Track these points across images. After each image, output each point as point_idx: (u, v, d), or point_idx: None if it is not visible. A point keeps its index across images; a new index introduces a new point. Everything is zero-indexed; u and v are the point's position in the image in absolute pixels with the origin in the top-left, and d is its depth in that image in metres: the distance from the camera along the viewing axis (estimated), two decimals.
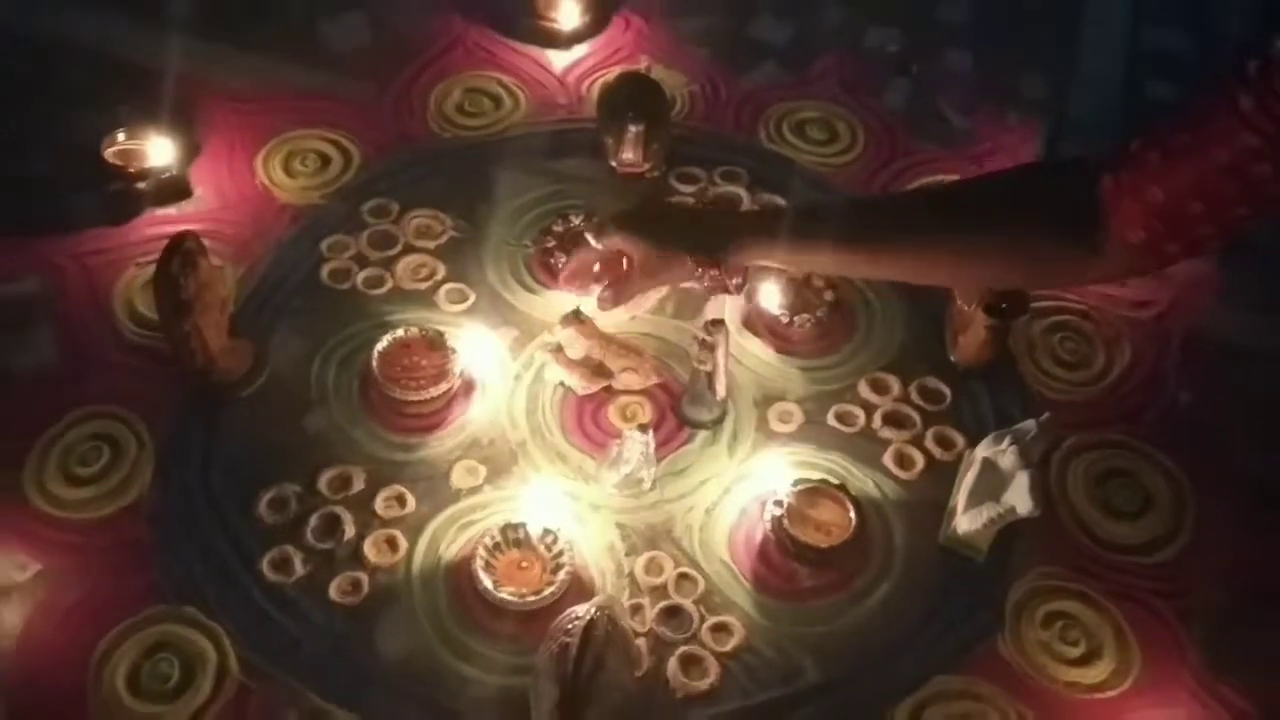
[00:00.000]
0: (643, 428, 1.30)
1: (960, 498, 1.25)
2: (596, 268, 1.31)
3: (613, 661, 1.07)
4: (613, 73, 1.67)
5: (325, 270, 1.47)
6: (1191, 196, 0.91)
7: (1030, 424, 1.27)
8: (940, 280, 1.30)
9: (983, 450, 1.26)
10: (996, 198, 1.09)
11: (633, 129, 1.46)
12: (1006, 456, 1.23)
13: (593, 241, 1.26)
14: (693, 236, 1.20)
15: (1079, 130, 1.68)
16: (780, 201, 1.57)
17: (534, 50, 1.76)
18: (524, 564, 1.21)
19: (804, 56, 1.78)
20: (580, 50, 1.76)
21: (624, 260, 1.28)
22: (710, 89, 1.72)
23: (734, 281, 1.21)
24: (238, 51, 1.72)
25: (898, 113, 1.71)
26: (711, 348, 1.27)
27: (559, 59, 1.75)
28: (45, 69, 1.68)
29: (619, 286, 1.27)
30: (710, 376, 1.30)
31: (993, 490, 1.22)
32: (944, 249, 1.11)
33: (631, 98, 1.51)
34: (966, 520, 1.22)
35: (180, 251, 1.22)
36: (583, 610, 1.10)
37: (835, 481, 1.27)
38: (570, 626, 1.09)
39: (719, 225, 1.22)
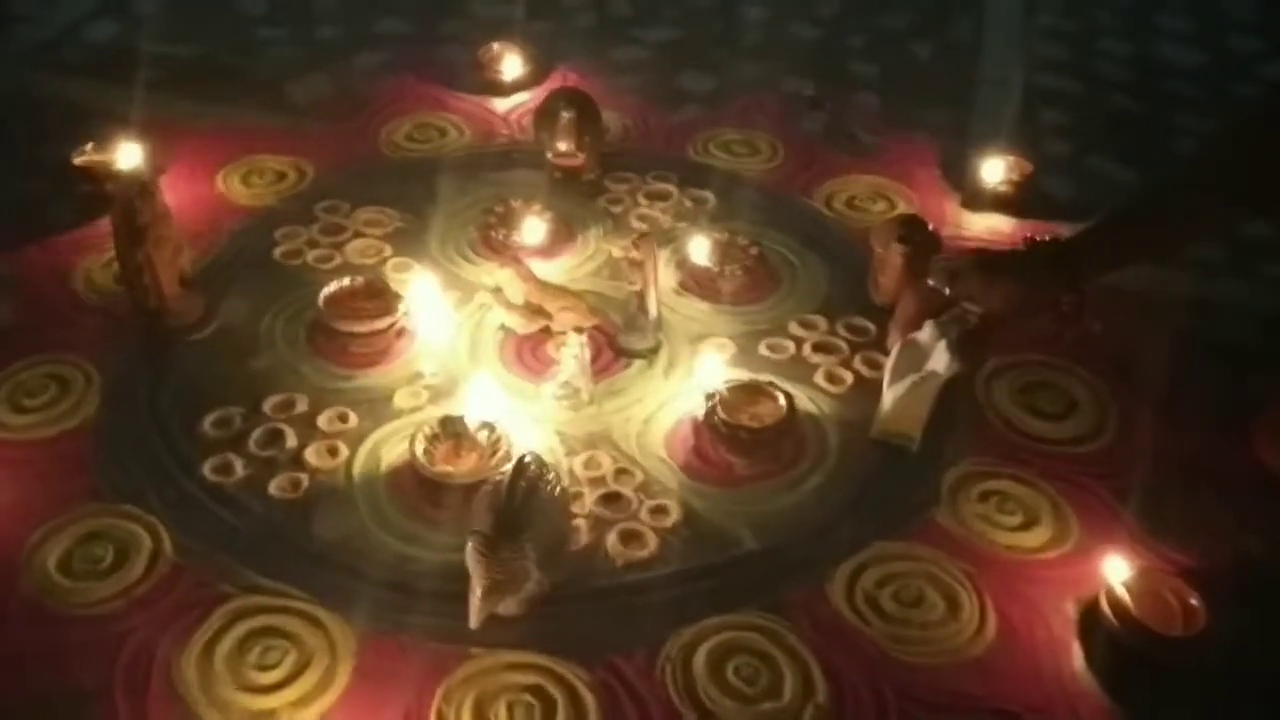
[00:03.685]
0: (578, 330, 1.34)
1: (885, 380, 1.29)
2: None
3: (545, 494, 1.08)
4: None
5: (278, 251, 1.55)
6: None
7: (947, 317, 1.33)
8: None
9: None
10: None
11: (565, 115, 1.60)
12: (925, 333, 1.28)
13: (943, 287, 1.28)
14: (1048, 269, 1.23)
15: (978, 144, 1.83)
16: (709, 195, 1.68)
17: (480, 99, 1.91)
18: (461, 453, 1.23)
19: (725, 100, 1.95)
20: (521, 97, 1.91)
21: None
22: (642, 122, 1.87)
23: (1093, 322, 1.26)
24: (205, 104, 1.86)
25: (814, 134, 1.86)
26: (640, 263, 1.34)
27: (502, 104, 1.90)
28: (22, 115, 1.84)
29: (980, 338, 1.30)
30: (641, 296, 1.36)
31: (914, 363, 1.28)
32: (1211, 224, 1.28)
33: (562, 96, 1.65)
34: (890, 394, 1.27)
35: (138, 183, 1.31)
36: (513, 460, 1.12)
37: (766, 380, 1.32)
38: (503, 470, 1.10)
39: (1064, 256, 1.23)
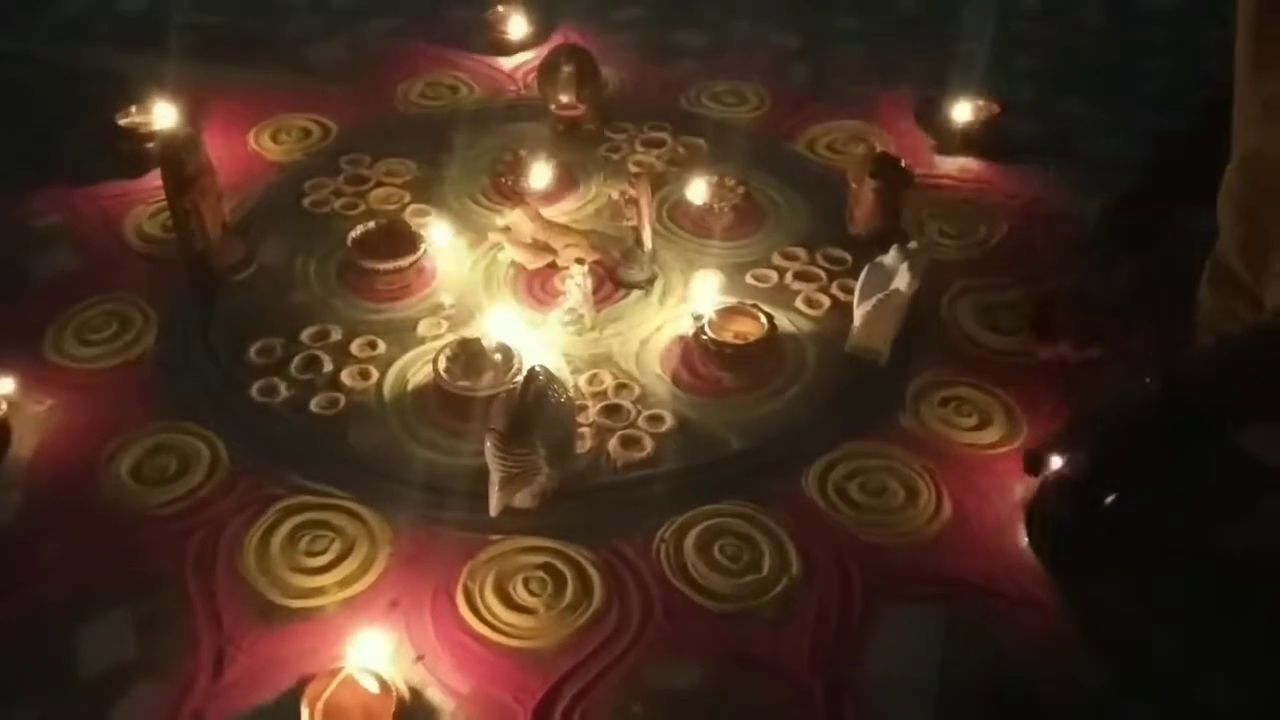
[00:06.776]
0: (579, 261, 1.50)
1: (855, 299, 1.44)
2: None
3: (553, 399, 1.23)
4: None
5: (307, 200, 1.71)
6: None
7: (913, 244, 1.48)
8: None
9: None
10: None
11: (565, 69, 1.74)
12: (890, 257, 1.43)
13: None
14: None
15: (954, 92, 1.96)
16: (701, 142, 1.83)
17: (488, 58, 2.06)
18: (479, 370, 1.38)
19: (717, 54, 2.09)
20: (526, 55, 2.06)
21: None
22: (638, 77, 2.01)
23: None
24: (234, 70, 2.01)
25: (799, 85, 2.00)
26: (636, 201, 1.49)
27: (508, 63, 2.05)
28: (61, 84, 1.99)
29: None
30: (638, 231, 1.51)
31: (880, 284, 1.42)
32: None
33: (562, 52, 1.80)
34: (860, 312, 1.41)
35: (186, 136, 1.46)
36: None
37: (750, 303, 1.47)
38: (517, 381, 1.26)
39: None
